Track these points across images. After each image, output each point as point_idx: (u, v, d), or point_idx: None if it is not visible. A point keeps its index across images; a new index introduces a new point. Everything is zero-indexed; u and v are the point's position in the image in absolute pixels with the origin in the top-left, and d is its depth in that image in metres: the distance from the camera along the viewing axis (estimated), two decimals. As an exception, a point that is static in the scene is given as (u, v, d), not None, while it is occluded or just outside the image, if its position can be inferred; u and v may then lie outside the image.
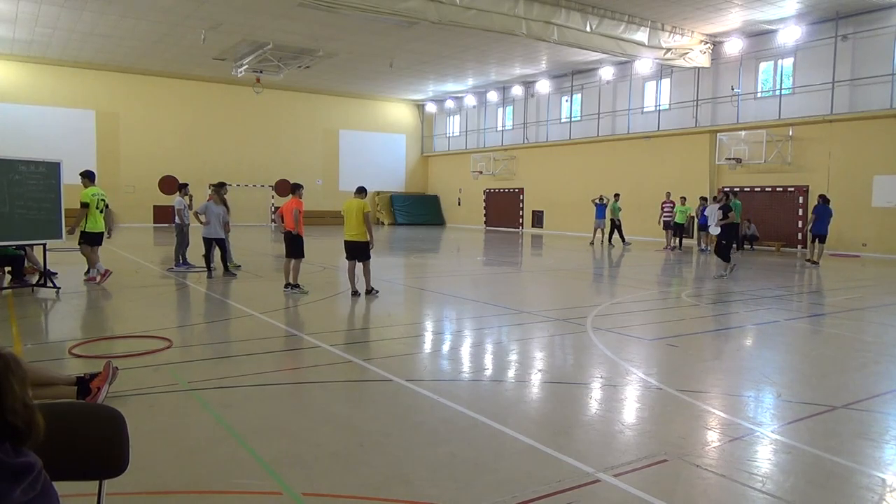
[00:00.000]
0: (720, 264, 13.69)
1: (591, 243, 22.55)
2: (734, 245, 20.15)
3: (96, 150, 29.58)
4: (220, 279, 12.01)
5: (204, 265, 12.31)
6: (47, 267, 10.34)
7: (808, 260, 16.98)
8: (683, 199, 21.42)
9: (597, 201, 22.60)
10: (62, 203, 10.20)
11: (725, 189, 13.75)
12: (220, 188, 12.73)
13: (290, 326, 8.06)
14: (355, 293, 10.29)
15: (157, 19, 21.42)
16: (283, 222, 10.82)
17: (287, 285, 10.62)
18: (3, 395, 1.47)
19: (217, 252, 12.49)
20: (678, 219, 21.25)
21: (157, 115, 30.90)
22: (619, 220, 22.37)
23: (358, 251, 10.19)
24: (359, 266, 10.32)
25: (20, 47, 25.39)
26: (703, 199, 21.51)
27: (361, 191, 10.46)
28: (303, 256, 10.76)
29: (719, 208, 13.53)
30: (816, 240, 16.81)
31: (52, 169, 10.09)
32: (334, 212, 33.59)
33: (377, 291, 10.40)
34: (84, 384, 4.66)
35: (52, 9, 20.18)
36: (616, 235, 22.41)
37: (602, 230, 22.57)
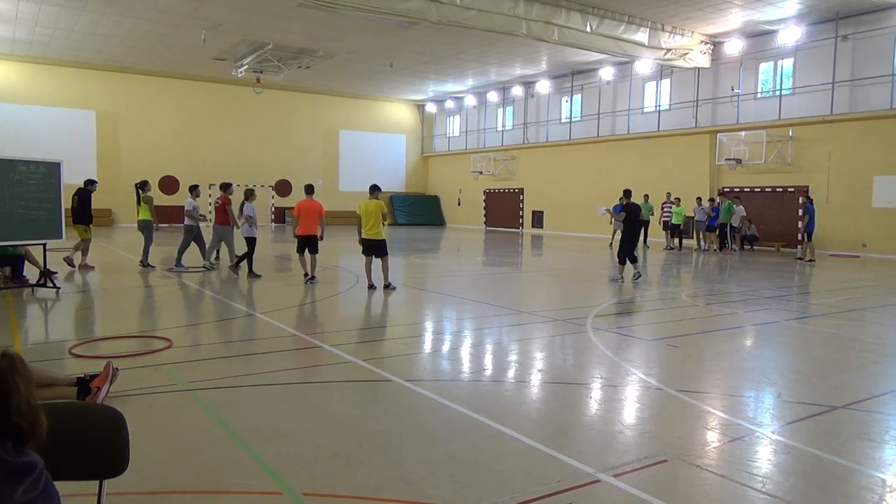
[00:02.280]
0: (618, 267, 12.76)
1: (611, 245, 22.24)
2: (725, 245, 20.09)
3: (96, 150, 29.59)
4: (222, 276, 12.04)
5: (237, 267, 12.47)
6: (47, 266, 10.35)
7: (810, 260, 17.79)
8: (678, 199, 21.44)
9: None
10: (62, 203, 10.21)
11: (626, 189, 13.07)
12: (249, 194, 13.03)
13: (290, 326, 8.06)
14: (371, 287, 10.78)
15: (157, 19, 21.42)
16: (297, 220, 11.54)
17: (310, 278, 11.41)
18: (10, 396, 1.47)
19: (223, 248, 12.90)
20: (674, 220, 21.19)
21: (158, 115, 30.90)
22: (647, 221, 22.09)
23: (377, 248, 10.74)
24: (376, 261, 10.89)
25: (20, 47, 25.39)
26: (700, 199, 21.47)
27: (376, 189, 10.91)
28: (317, 252, 11.54)
29: (622, 209, 12.61)
30: (809, 238, 17.90)
31: (52, 169, 10.09)
32: (335, 212, 33.50)
33: (394, 287, 10.81)
34: (84, 384, 4.66)
35: (52, 9, 20.18)
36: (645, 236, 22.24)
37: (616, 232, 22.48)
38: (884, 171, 18.96)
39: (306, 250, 11.43)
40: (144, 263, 13.32)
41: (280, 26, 21.77)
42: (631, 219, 12.47)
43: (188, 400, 4.97)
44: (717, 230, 20.24)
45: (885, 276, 14.90)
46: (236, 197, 13.31)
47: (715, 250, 20.31)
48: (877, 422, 4.75)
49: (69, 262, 12.84)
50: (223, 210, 12.93)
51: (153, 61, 27.87)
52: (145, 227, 13.51)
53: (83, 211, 13.10)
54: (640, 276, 12.57)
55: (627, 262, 12.51)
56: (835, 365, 6.52)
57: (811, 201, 18.32)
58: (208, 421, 4.53)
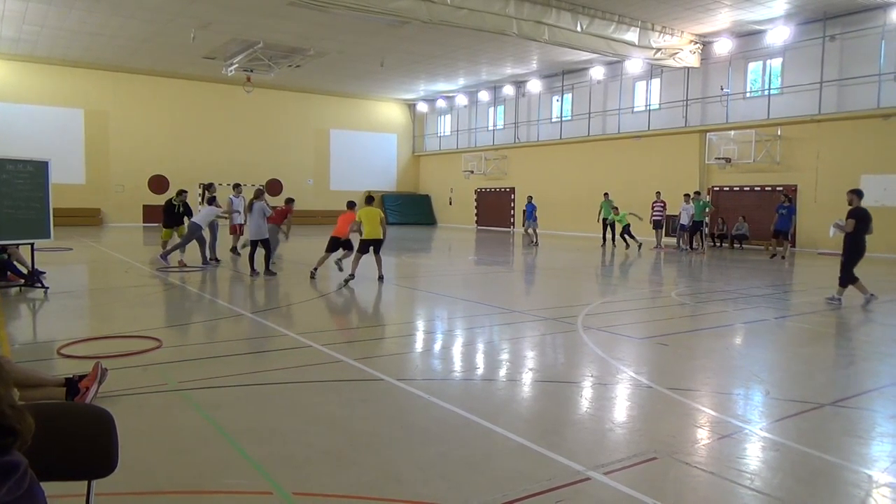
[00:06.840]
0: (838, 288, 10.15)
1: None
2: (693, 245, 19.89)
3: (84, 149, 29.38)
4: (262, 279, 12.10)
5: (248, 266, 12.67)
6: (35, 267, 10.27)
7: (780, 256, 18.36)
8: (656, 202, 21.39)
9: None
10: (50, 202, 10.13)
11: (854, 188, 10.66)
12: (260, 194, 13.17)
13: (281, 326, 8.04)
14: (351, 276, 11.49)
15: (147, 17, 21.27)
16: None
17: (314, 269, 12.39)
18: None
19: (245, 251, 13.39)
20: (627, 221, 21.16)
21: (147, 114, 30.68)
22: (612, 221, 21.85)
23: (378, 245, 11.98)
24: (367, 258, 11.82)
25: (7, 45, 25.14)
26: (687, 196, 21.34)
27: (371, 199, 12.58)
28: (352, 249, 12.13)
29: (848, 216, 10.00)
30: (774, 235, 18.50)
31: (40, 168, 10.01)
32: (325, 211, 33.53)
33: (352, 276, 11.51)
34: (73, 385, 4.64)
35: (39, 6, 19.99)
36: (616, 236, 21.95)
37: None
38: (871, 170, 19.11)
39: (339, 249, 12.37)
40: (212, 258, 14.31)
41: (270, 25, 21.68)
42: (859, 228, 9.90)
43: (178, 400, 4.94)
44: (691, 229, 20.15)
45: (872, 274, 15.01)
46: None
47: (692, 250, 20.18)
48: (864, 419, 4.79)
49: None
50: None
51: (142, 60, 27.67)
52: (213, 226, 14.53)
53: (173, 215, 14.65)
54: (839, 303, 9.95)
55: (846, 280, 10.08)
56: (822, 363, 6.58)
57: (790, 201, 18.75)
58: (198, 421, 4.51)
